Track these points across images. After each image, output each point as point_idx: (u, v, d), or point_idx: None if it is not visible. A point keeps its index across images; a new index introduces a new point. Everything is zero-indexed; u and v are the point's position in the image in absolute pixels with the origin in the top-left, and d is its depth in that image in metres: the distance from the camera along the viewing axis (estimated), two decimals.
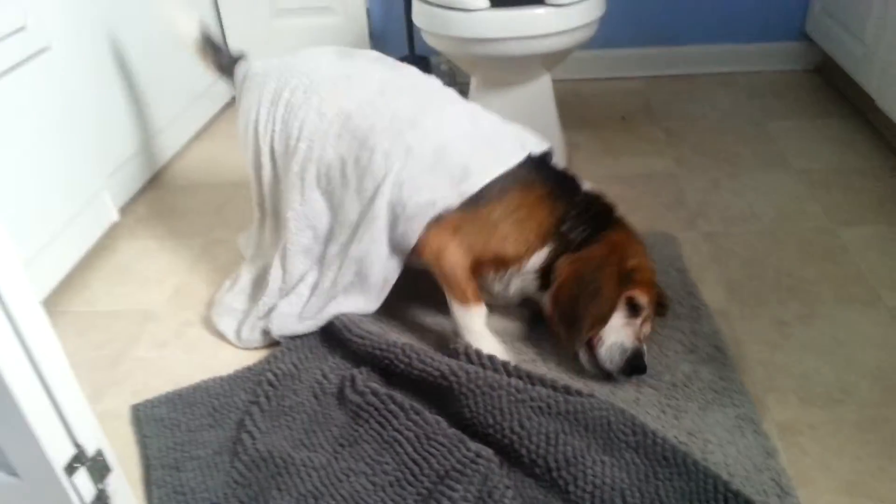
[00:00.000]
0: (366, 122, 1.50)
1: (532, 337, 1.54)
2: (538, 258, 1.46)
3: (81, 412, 0.98)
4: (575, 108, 2.55)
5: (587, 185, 1.55)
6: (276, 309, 1.56)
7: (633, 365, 1.38)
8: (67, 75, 1.77)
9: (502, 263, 1.47)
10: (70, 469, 0.96)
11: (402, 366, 1.39)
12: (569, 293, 1.41)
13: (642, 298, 1.43)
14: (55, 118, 1.70)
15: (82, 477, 0.99)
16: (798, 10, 2.67)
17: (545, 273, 1.47)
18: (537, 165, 1.51)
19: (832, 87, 2.61)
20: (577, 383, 1.39)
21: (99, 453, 1.02)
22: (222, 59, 1.81)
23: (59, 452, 0.95)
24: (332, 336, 1.51)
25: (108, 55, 1.98)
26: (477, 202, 1.43)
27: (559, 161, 1.62)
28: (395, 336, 1.47)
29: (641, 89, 2.70)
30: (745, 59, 2.77)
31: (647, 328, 1.45)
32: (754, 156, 2.22)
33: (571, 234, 1.46)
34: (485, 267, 1.48)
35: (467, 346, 1.42)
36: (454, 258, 1.43)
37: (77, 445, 0.98)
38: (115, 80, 2.03)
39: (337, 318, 1.51)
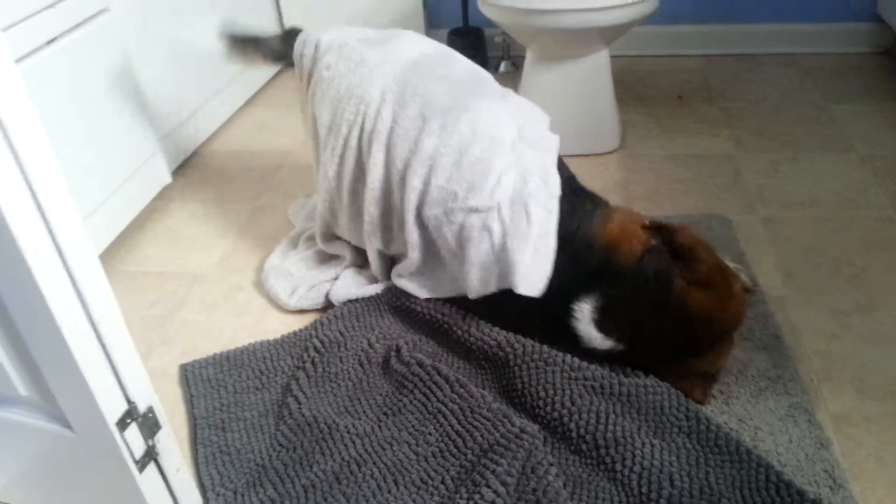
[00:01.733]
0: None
1: None
2: None
3: (135, 369, 1.00)
4: (631, 86, 2.48)
5: None
6: (342, 277, 1.57)
7: None
8: (125, 36, 1.78)
9: None
10: (122, 424, 0.98)
11: (459, 332, 1.40)
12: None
13: None
14: (113, 79, 1.72)
15: (133, 432, 1.00)
16: None
17: None
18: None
19: None
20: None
21: (150, 410, 1.03)
22: (269, 47, 1.72)
23: (112, 407, 0.96)
24: (386, 303, 1.52)
25: (165, 17, 1.99)
26: None
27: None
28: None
29: (701, 68, 2.62)
30: (810, 40, 2.66)
31: None
32: (816, 139, 2.13)
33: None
34: None
35: None
36: None
37: (129, 402, 0.99)
38: (171, 43, 2.04)
39: (394, 287, 1.52)
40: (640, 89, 2.47)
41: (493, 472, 1.12)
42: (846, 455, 1.20)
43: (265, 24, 2.65)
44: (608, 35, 1.97)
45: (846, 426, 1.26)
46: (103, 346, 0.95)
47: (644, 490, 1.11)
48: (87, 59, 1.63)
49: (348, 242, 1.61)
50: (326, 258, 1.64)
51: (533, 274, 1.30)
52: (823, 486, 1.13)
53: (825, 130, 2.17)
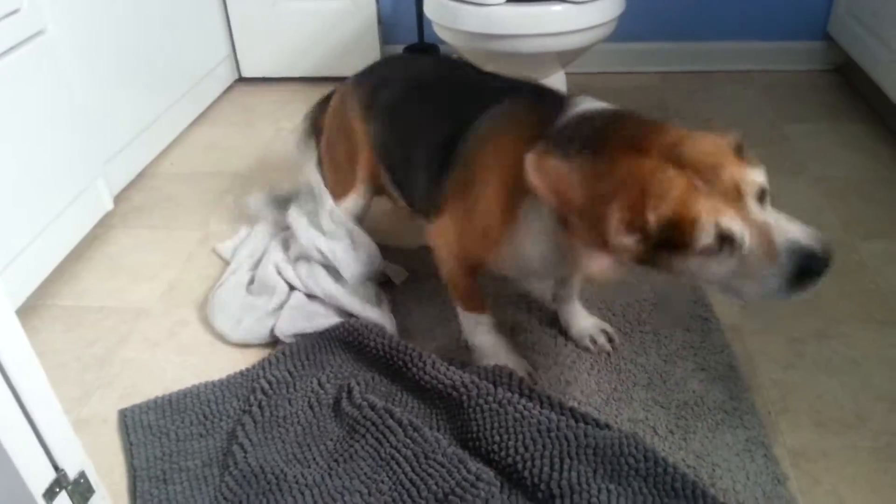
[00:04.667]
0: None
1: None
2: None
3: (62, 434, 0.93)
4: None
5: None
6: (287, 307, 1.52)
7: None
8: (62, 60, 1.70)
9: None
10: (50, 494, 0.92)
11: (415, 370, 1.36)
12: None
13: None
14: (50, 103, 1.64)
15: (63, 501, 0.94)
16: (821, 10, 2.58)
17: None
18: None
19: (853, 89, 2.52)
20: (588, 407, 1.33)
21: (81, 475, 0.97)
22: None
23: (37, 477, 0.90)
24: (338, 338, 1.46)
25: (104, 39, 1.91)
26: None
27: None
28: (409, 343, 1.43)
29: (657, 85, 2.63)
30: (764, 58, 2.69)
31: None
32: (770, 159, 2.13)
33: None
34: None
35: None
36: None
37: (57, 469, 0.93)
38: (111, 65, 1.95)
39: (352, 320, 1.47)
40: None
41: None
42: (804, 491, 1.19)
43: (217, 46, 2.57)
44: (565, 58, 1.96)
45: (803, 461, 1.25)
46: (25, 412, 0.88)
47: None
48: (21, 84, 1.54)
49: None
50: (269, 284, 1.58)
51: None
52: None
53: (779, 151, 2.19)
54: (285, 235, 1.69)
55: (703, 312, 1.54)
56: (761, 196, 0.99)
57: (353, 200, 1.62)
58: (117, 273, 1.76)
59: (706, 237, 0.94)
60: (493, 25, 1.83)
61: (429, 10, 2.03)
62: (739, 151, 1.02)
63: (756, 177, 0.97)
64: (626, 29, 2.24)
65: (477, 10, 1.87)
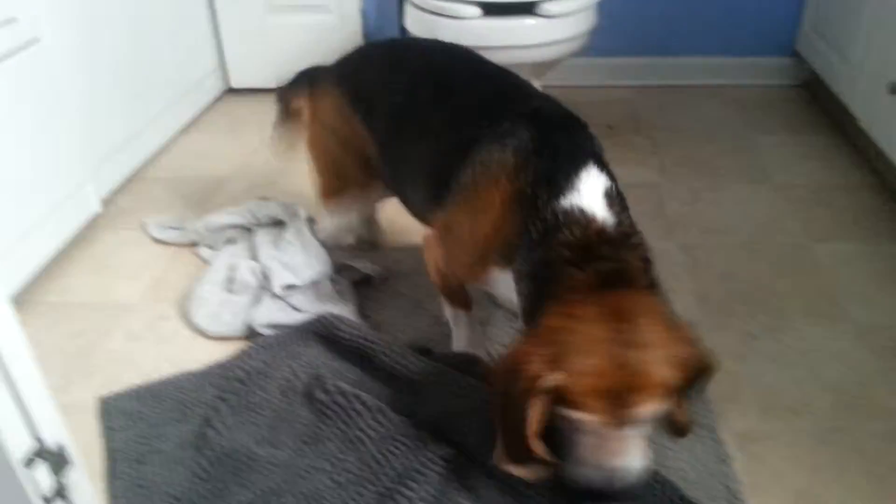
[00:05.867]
0: None
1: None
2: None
3: (44, 407, 0.99)
4: None
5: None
6: (263, 302, 1.59)
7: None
8: (57, 67, 1.78)
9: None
10: (28, 462, 0.97)
11: (385, 358, 1.43)
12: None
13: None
14: (43, 109, 1.71)
15: (41, 470, 1.00)
16: (789, 27, 2.69)
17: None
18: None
19: (818, 104, 2.62)
20: None
21: (60, 447, 1.03)
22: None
23: (18, 445, 0.96)
24: (314, 333, 1.53)
25: (97, 48, 1.99)
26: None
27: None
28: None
29: (630, 98, 2.72)
30: (734, 73, 2.79)
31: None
32: (737, 169, 2.24)
33: (523, 283, 1.13)
34: None
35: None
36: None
37: (38, 439, 0.99)
38: (104, 73, 2.04)
39: (327, 314, 1.54)
40: None
41: (408, 497, 1.14)
42: (747, 471, 1.26)
43: (206, 58, 2.66)
44: (538, 70, 2.05)
45: (748, 443, 1.32)
46: (11, 383, 0.94)
47: None
48: (16, 89, 1.62)
49: None
50: (246, 283, 1.66)
51: None
52: (722, 499, 1.19)
53: (745, 161, 2.28)
54: (252, 245, 1.78)
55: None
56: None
57: (347, 202, 1.63)
58: (103, 271, 1.83)
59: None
60: (469, 37, 1.91)
61: (408, 22, 2.12)
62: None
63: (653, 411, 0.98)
64: (600, 44, 2.34)
65: (453, 23, 1.97)
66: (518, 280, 1.14)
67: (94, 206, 1.95)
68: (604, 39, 2.36)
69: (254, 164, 2.33)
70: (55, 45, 1.77)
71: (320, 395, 1.36)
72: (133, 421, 1.37)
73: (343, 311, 1.58)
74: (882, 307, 1.64)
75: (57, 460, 1.02)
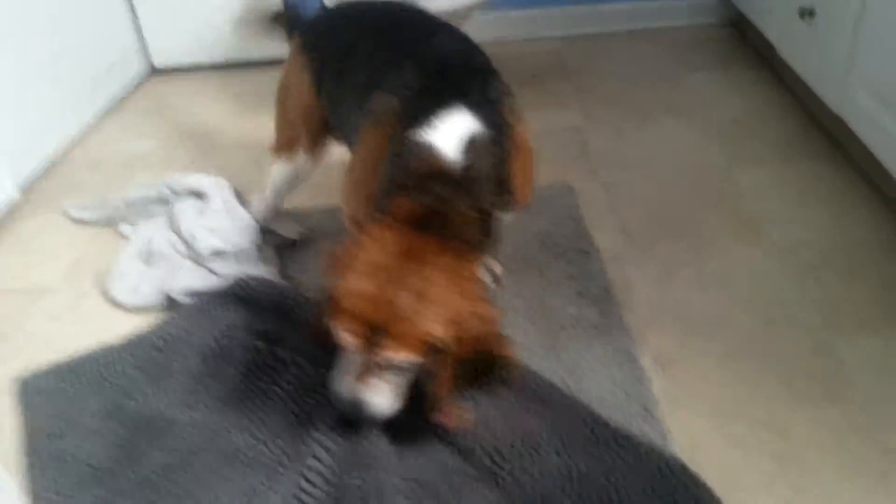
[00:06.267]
0: None
1: None
2: None
3: None
4: None
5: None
6: (180, 270, 1.58)
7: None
8: None
9: None
10: None
11: (303, 313, 1.41)
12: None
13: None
14: None
15: None
16: None
17: None
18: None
19: (745, 41, 2.64)
20: None
21: None
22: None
23: None
24: (233, 294, 1.51)
25: (1, 30, 1.93)
26: None
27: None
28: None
29: (557, 49, 2.71)
30: (660, 15, 2.78)
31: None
32: (663, 106, 2.24)
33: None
34: None
35: None
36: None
37: None
38: (13, 57, 1.97)
39: (245, 276, 1.52)
40: None
41: (326, 448, 1.14)
42: (664, 391, 1.28)
43: (123, 36, 2.60)
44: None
45: (666, 365, 1.34)
46: None
47: (469, 436, 1.16)
48: None
49: None
50: (163, 254, 1.63)
51: None
52: (637, 418, 1.20)
53: (671, 98, 2.29)
54: (171, 215, 1.75)
55: (584, 245, 1.62)
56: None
57: (300, 154, 1.59)
58: (22, 256, 1.78)
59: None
60: None
61: None
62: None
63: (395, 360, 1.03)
64: None
65: None
66: None
67: (11, 194, 1.90)
68: None
69: (176, 143, 2.28)
70: None
71: (239, 355, 1.35)
72: (51, 396, 1.35)
73: (265, 273, 1.57)
74: (802, 223, 1.67)
75: None
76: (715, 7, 2.76)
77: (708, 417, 1.23)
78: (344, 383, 1.10)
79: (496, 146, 1.13)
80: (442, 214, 1.05)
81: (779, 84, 2.29)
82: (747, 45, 2.60)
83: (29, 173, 2.05)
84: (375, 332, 1.00)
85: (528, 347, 1.37)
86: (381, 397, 1.09)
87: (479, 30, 2.53)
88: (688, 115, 2.18)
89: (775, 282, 1.52)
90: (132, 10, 2.62)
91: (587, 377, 1.29)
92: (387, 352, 1.01)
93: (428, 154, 1.08)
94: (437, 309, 0.99)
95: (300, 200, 1.82)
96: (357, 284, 1.01)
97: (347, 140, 1.47)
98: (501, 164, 1.14)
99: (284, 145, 1.60)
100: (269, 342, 1.38)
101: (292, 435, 1.20)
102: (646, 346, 1.37)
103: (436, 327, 0.99)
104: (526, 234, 1.67)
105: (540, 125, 2.16)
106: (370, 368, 1.07)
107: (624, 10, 2.77)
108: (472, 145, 1.10)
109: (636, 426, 1.18)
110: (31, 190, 2.03)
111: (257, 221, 1.70)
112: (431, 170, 1.07)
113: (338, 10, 1.60)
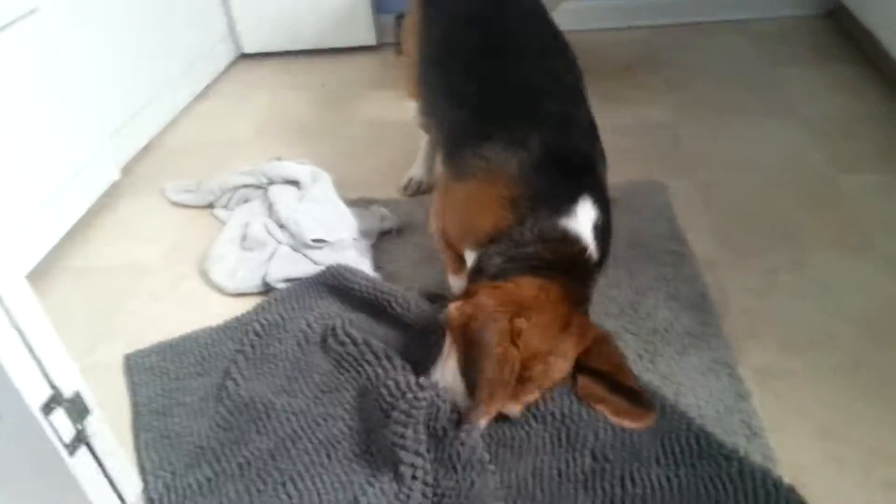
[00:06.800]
0: None
1: None
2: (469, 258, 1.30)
3: (56, 356, 1.02)
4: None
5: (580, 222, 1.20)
6: (276, 256, 1.61)
7: None
8: (60, 35, 1.78)
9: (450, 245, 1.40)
10: (47, 409, 1.01)
11: (399, 309, 1.43)
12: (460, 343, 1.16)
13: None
14: (49, 79, 1.73)
15: (60, 417, 1.03)
16: None
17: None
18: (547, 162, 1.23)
19: (843, 33, 2.51)
20: None
21: (77, 395, 1.06)
22: None
23: (35, 393, 0.99)
24: (325, 285, 1.54)
25: (97, 17, 1.99)
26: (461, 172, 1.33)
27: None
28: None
29: (647, 39, 2.64)
30: (755, 5, 2.68)
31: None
32: (758, 103, 2.17)
33: (493, 259, 1.21)
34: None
35: None
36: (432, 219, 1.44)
37: (53, 387, 1.02)
38: (106, 42, 2.04)
39: (336, 265, 1.55)
40: (586, 62, 2.45)
41: (416, 441, 1.15)
42: (766, 406, 1.24)
43: (215, 23, 2.65)
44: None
45: (768, 379, 1.30)
46: (22, 336, 0.97)
47: (570, 441, 1.15)
48: (21, 59, 1.64)
49: None
50: (259, 240, 1.67)
51: None
52: (741, 435, 1.17)
53: (767, 95, 2.20)
54: (268, 202, 1.79)
55: (678, 247, 1.59)
56: None
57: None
58: (124, 236, 1.86)
59: None
60: None
61: None
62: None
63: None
64: None
65: None
66: (484, 260, 1.22)
67: (113, 174, 1.98)
68: None
69: (266, 128, 2.33)
70: (53, 14, 1.77)
71: (335, 346, 1.38)
72: (156, 376, 1.41)
73: (360, 264, 1.59)
74: None
75: (75, 408, 1.06)
76: None
77: (813, 438, 1.19)
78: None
79: (606, 227, 1.24)
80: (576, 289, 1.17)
81: (883, 84, 2.18)
82: (845, 38, 2.48)
83: (128, 155, 2.13)
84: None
85: None
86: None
87: (572, 20, 2.49)
88: (784, 113, 2.09)
89: (884, 295, 1.45)
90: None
91: (684, 386, 1.26)
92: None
93: (572, 241, 1.18)
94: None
95: (390, 193, 1.84)
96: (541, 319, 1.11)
97: (437, 135, 1.49)
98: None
99: (413, 89, 1.64)
100: (362, 333, 1.40)
101: (387, 431, 1.21)
102: (745, 358, 1.34)
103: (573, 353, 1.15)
104: (615, 231, 1.64)
105: (631, 120, 2.13)
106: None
107: (714, 0, 2.68)
108: (597, 231, 1.20)
109: (736, 441, 1.15)
110: (128, 171, 2.11)
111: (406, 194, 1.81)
112: (575, 255, 1.18)
113: None
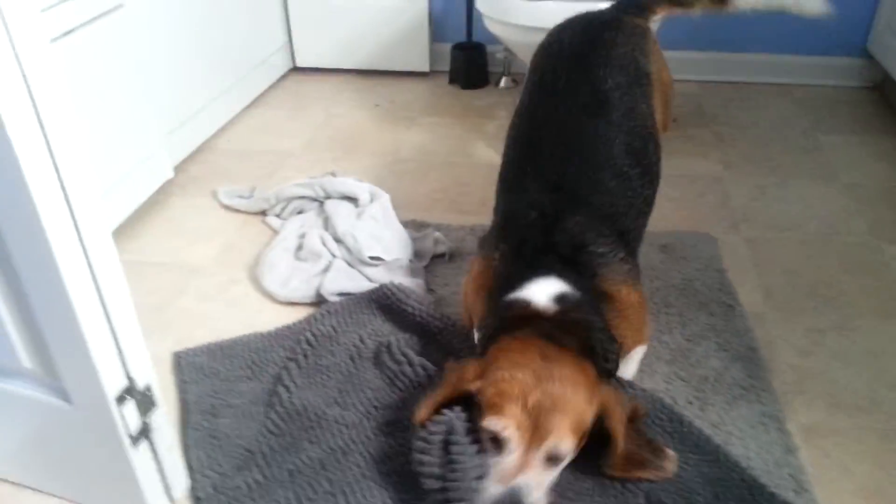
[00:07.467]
0: None
1: None
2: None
3: (137, 347, 1.04)
4: None
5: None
6: (332, 269, 1.63)
7: None
8: (138, 34, 1.83)
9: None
10: (121, 399, 1.02)
11: (448, 335, 1.45)
12: None
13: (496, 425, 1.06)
14: (123, 75, 1.77)
15: (130, 408, 1.05)
16: (861, 26, 2.63)
17: None
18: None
19: (889, 106, 2.56)
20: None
21: (148, 388, 1.07)
22: None
23: (113, 382, 1.01)
24: (377, 302, 1.56)
25: (175, 18, 2.05)
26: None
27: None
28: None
29: (695, 93, 2.69)
30: (802, 72, 2.74)
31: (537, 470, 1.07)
32: (803, 166, 2.20)
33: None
34: None
35: None
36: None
37: (129, 378, 1.04)
38: (184, 41, 2.09)
39: (390, 284, 1.56)
40: None
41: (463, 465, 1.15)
42: (813, 463, 1.25)
43: (275, 35, 2.71)
44: None
45: (815, 437, 1.31)
46: (110, 322, 0.99)
47: (624, 484, 1.16)
48: (100, 53, 1.68)
49: None
50: (315, 251, 1.69)
51: None
52: (788, 489, 1.18)
53: (812, 159, 2.24)
54: (325, 215, 1.82)
55: (728, 299, 1.61)
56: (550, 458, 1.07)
57: None
58: (176, 234, 1.88)
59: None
60: (544, 19, 1.92)
61: (480, 3, 2.13)
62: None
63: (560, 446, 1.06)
64: (665, 37, 2.31)
65: (528, 5, 1.98)
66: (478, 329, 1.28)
67: (168, 172, 2.01)
68: (670, 32, 2.34)
69: (317, 141, 2.37)
70: (137, 11, 1.82)
71: (389, 363, 1.39)
72: (206, 376, 1.42)
73: (412, 285, 1.61)
74: None
75: (144, 401, 1.07)
76: (859, 69, 2.70)
77: (859, 497, 1.20)
78: (494, 486, 1.05)
79: (589, 305, 1.20)
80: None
81: None
82: (889, 111, 2.53)
83: (181, 155, 2.16)
84: (532, 414, 1.05)
85: (672, 395, 1.36)
86: (541, 484, 1.06)
87: None
88: (830, 178, 2.13)
89: None
90: (286, 9, 2.74)
91: (734, 436, 1.27)
92: (554, 437, 1.04)
93: (525, 306, 1.19)
94: (578, 389, 1.08)
95: (444, 217, 1.87)
96: (502, 374, 1.08)
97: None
98: (603, 319, 1.20)
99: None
100: (416, 353, 1.41)
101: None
102: (792, 414, 1.35)
103: (582, 403, 1.07)
104: (667, 278, 1.67)
105: (681, 171, 2.16)
106: (525, 464, 1.05)
107: (765, 62, 2.74)
108: (560, 300, 1.18)
109: (788, 498, 1.16)
110: (180, 171, 2.14)
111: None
112: (529, 313, 1.18)
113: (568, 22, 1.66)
